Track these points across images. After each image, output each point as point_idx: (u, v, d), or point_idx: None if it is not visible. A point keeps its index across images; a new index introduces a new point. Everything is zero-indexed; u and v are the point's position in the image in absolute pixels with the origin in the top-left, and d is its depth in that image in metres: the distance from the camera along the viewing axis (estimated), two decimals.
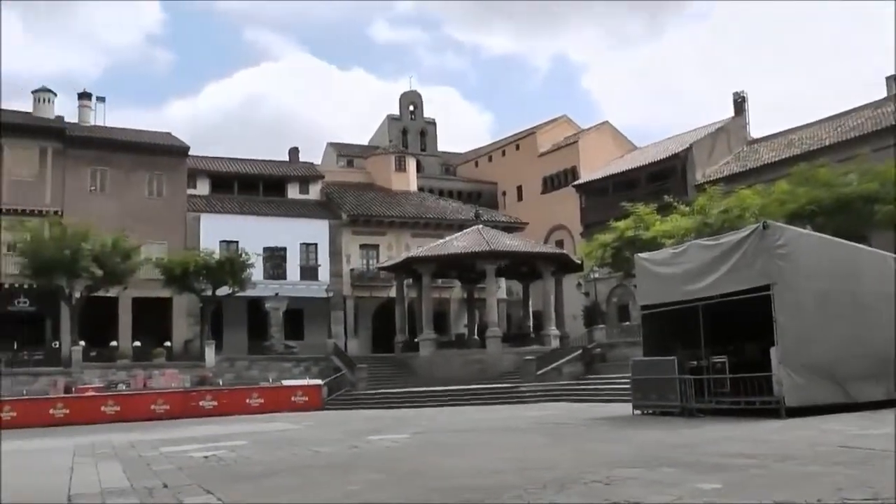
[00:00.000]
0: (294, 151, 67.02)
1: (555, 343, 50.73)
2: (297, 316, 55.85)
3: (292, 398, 42.53)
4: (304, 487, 15.75)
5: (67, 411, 38.45)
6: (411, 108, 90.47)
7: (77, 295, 47.25)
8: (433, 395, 42.93)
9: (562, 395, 40.48)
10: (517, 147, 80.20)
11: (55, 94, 57.49)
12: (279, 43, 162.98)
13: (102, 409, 38.96)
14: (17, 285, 49.36)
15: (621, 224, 46.64)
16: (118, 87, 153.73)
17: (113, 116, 57.61)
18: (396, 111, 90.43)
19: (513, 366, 47.79)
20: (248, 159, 63.65)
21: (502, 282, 58.70)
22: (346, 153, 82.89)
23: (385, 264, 55.69)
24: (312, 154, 77.73)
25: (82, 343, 46.99)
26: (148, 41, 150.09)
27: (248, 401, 41.47)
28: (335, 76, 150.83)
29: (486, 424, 27.80)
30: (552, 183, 74.06)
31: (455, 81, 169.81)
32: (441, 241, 53.63)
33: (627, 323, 51.68)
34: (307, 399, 42.68)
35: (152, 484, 16.75)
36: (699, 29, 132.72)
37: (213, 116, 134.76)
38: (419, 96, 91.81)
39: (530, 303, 56.97)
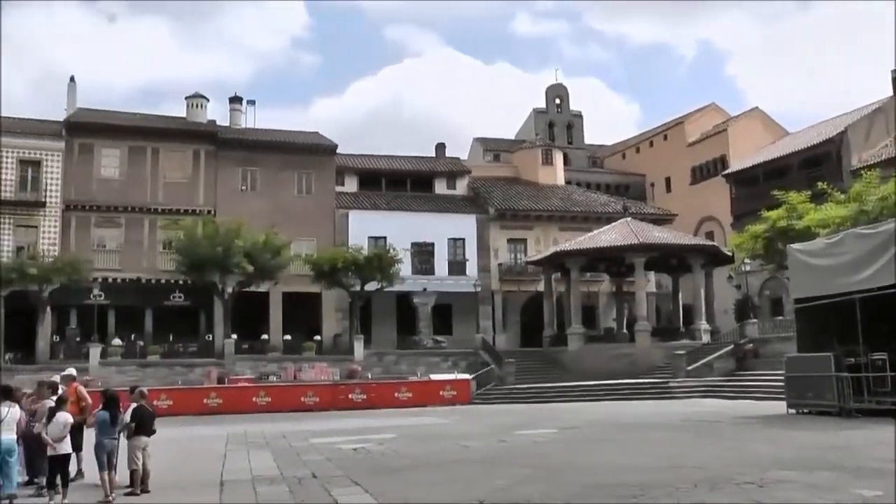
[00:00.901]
0: (441, 147, 67.25)
1: (705, 338, 49.46)
2: (446, 311, 55.96)
3: (441, 392, 42.58)
4: (451, 481, 15.62)
5: (220, 401, 39.48)
6: (557, 101, 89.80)
7: (229, 290, 48.41)
8: (581, 390, 42.46)
9: (712, 392, 39.48)
10: (665, 137, 78.68)
11: (207, 100, 59.20)
12: (422, 39, 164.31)
13: (254, 399, 39.83)
14: (172, 281, 51.00)
15: (773, 214, 45.02)
16: (266, 90, 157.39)
17: (262, 118, 58.93)
18: (542, 104, 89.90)
19: (662, 361, 46.85)
20: (395, 156, 64.10)
21: (651, 275, 57.56)
22: (493, 148, 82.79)
23: (533, 258, 55.32)
24: (459, 149, 77.81)
25: (235, 336, 48.28)
26: (294, 44, 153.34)
27: (396, 395, 41.72)
28: (479, 70, 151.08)
29: (636, 420, 27.29)
30: (701, 173, 72.33)
31: (600, 72, 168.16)
32: (589, 234, 53.01)
33: (781, 317, 49.87)
34: (455, 393, 42.66)
35: (301, 473, 16.93)
36: (851, 3, 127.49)
37: (358, 114, 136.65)
38: (565, 89, 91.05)
39: (680, 296, 55.76)
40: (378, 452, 20.67)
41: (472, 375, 45.55)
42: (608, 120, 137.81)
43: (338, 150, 57.77)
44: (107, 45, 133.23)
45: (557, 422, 27.64)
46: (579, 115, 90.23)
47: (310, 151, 56.68)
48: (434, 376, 45.33)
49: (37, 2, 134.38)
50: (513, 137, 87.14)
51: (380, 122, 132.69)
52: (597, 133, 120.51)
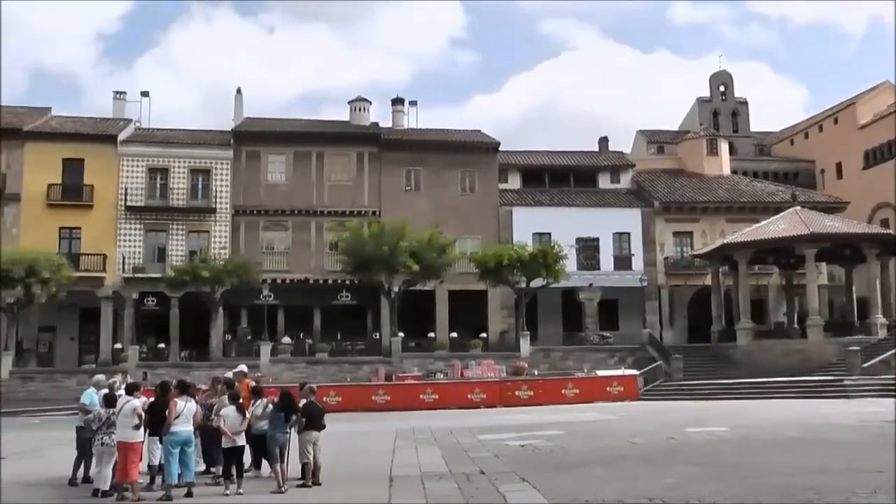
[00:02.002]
0: (603, 141, 66.53)
1: (882, 333, 47.20)
2: (612, 306, 55.31)
3: (607, 388, 42.08)
4: (619, 478, 15.39)
5: (388, 398, 39.97)
6: (721, 88, 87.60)
7: (396, 289, 49.01)
8: (751, 388, 41.27)
9: (890, 391, 37.30)
10: (835, 120, 75.51)
11: (370, 103, 60.21)
12: (578, 32, 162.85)
13: (421, 396, 40.16)
14: (339, 281, 51.99)
15: None
16: (424, 90, 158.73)
17: (421, 118, 59.68)
18: (706, 93, 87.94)
19: (835, 357, 44.97)
20: (557, 151, 63.73)
21: (823, 266, 55.54)
22: (656, 139, 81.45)
23: (699, 251, 54.16)
24: (621, 143, 76.84)
25: (401, 334, 48.89)
26: (451, 44, 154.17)
27: (563, 391, 41.44)
28: (639, 61, 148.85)
29: (809, 420, 26.36)
30: (875, 156, 69.02)
31: (764, 56, 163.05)
32: (756, 225, 51.46)
33: None
34: (622, 389, 42.09)
35: (470, 469, 16.94)
36: None
37: (515, 111, 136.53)
38: (729, 76, 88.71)
39: (854, 289, 53.63)
40: (546, 449, 20.55)
41: (639, 372, 44.89)
42: (775, 105, 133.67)
43: (499, 148, 57.74)
44: (267, 56, 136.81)
45: (727, 420, 26.96)
46: (744, 102, 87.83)
47: (472, 150, 56.90)
48: (600, 372, 44.89)
49: (201, 21, 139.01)
50: (676, 128, 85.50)
51: (538, 117, 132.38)
52: (763, 119, 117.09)
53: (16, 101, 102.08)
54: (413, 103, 62.04)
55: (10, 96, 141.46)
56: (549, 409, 36.09)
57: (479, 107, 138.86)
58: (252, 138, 55.16)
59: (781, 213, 51.71)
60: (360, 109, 59.39)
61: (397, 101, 61.27)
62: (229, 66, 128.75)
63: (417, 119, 61.87)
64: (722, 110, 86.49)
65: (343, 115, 60.33)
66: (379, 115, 61.30)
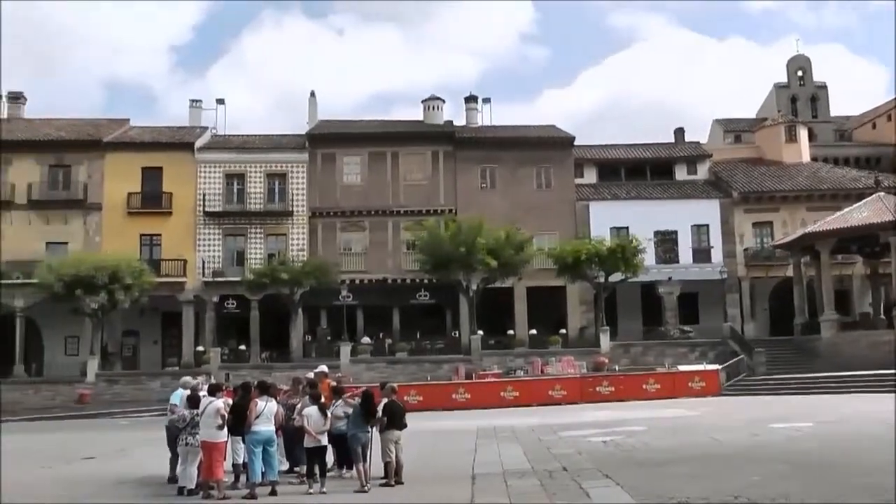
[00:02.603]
0: (679, 132, 65.60)
1: None
2: (691, 299, 54.67)
3: (689, 384, 41.54)
4: (703, 476, 15.17)
5: (469, 396, 39.93)
6: (799, 73, 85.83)
7: (474, 287, 49.00)
8: (837, 381, 40.20)
9: None
10: None
11: (443, 101, 60.18)
12: (648, 22, 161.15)
13: (501, 394, 40.05)
14: (417, 280, 52.17)
15: None
16: (495, 87, 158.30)
17: (495, 115, 59.48)
18: (783, 78, 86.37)
19: None
20: (632, 144, 63.05)
21: None
22: (733, 128, 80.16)
23: (780, 242, 53.20)
24: (698, 133, 75.55)
25: (480, 332, 48.87)
26: (521, 40, 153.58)
27: (644, 386, 41.05)
28: (712, 49, 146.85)
29: None
30: None
31: (842, 38, 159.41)
32: (839, 213, 50.26)
33: None
34: (704, 385, 41.52)
35: (552, 466, 16.84)
36: None
37: (587, 104, 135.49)
38: (807, 60, 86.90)
39: None
40: (628, 445, 20.37)
41: (721, 366, 44.17)
42: (855, 88, 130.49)
43: (574, 142, 57.38)
44: (337, 58, 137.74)
45: (812, 415, 26.41)
46: (823, 87, 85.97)
47: (547, 145, 56.66)
48: (681, 367, 44.35)
49: (271, 26, 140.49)
50: (753, 116, 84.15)
51: (610, 111, 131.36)
52: (843, 103, 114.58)
53: (94, 113, 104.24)
54: (486, 100, 62.04)
55: (87, 109, 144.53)
56: (630, 405, 35.80)
57: (550, 102, 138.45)
58: (327, 140, 55.60)
59: (864, 200, 50.42)
60: (433, 108, 59.47)
61: (471, 99, 61.28)
62: (300, 69, 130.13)
63: (491, 116, 61.79)
64: (800, 96, 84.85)
65: (415, 114, 60.57)
66: (452, 114, 61.40)
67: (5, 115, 61.28)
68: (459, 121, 60.51)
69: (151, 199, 53.94)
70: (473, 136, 57.28)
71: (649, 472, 15.92)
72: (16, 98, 62.26)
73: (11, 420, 42.59)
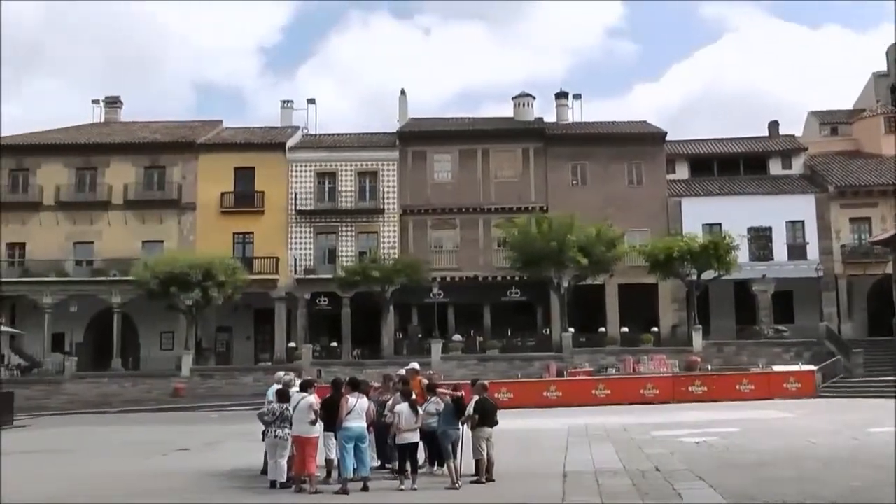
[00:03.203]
0: (773, 125, 64.03)
1: None
2: (786, 298, 53.55)
3: (784, 385, 40.76)
4: (799, 480, 14.85)
5: (560, 394, 39.75)
6: None
7: (565, 284, 48.75)
8: None
9: None
10: None
11: (533, 98, 59.81)
12: (739, 13, 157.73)
13: (593, 392, 39.80)
14: (508, 277, 52.01)
15: None
16: (584, 83, 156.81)
17: (583, 111, 58.78)
18: (883, 67, 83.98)
19: None
20: (724, 138, 61.93)
21: None
22: (829, 120, 77.91)
23: (878, 238, 51.70)
24: (792, 125, 73.64)
25: (571, 329, 48.58)
26: (609, 35, 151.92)
27: (737, 387, 40.40)
28: (806, 38, 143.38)
29: None
30: None
31: None
32: None
33: None
34: (799, 386, 40.71)
35: (644, 467, 16.67)
36: None
37: (678, 98, 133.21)
38: None
39: None
40: (721, 447, 20.07)
41: (817, 367, 43.29)
42: None
43: (665, 137, 56.71)
44: (424, 56, 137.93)
45: None
46: None
47: (638, 141, 56.10)
48: (776, 367, 43.52)
49: (359, 26, 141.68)
50: (850, 107, 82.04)
51: (701, 104, 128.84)
52: None
53: (186, 115, 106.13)
54: (577, 97, 61.45)
55: (180, 112, 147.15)
56: (723, 406, 35.28)
57: (640, 97, 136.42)
58: (418, 138, 55.83)
59: None
60: (523, 105, 59.21)
61: (561, 95, 60.84)
62: (387, 68, 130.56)
63: (582, 112, 61.28)
64: None
65: (503, 111, 60.46)
66: (541, 110, 61.00)
67: (103, 119, 63.14)
68: (548, 117, 60.21)
69: (244, 198, 54.83)
70: (564, 133, 56.96)
71: (743, 474, 15.66)
72: (113, 102, 64.23)
73: (109, 412, 43.97)
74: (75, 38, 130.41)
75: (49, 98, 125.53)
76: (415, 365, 19.78)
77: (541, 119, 59.03)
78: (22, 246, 55.37)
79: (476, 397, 16.18)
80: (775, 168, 58.08)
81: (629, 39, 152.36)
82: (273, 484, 15.67)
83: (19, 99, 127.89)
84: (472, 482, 15.53)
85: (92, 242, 54.86)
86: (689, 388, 40.13)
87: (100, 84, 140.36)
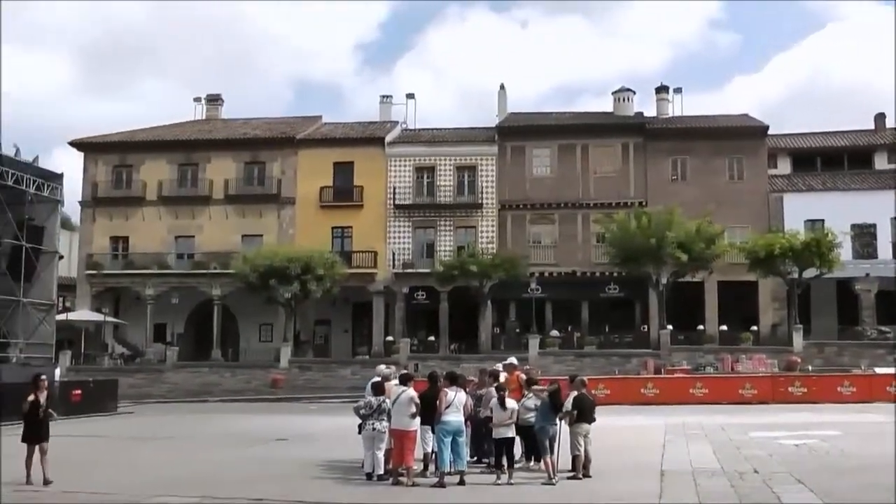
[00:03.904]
0: (880, 117, 61.77)
1: None
2: (891, 298, 51.93)
3: (887, 388, 39.36)
4: None
5: (657, 391, 39.21)
6: None
7: (663, 281, 48.28)
8: None
9: None
10: None
11: (633, 92, 59.41)
12: (844, 1, 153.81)
13: (690, 390, 39.19)
14: (606, 273, 51.75)
15: None
16: (683, 76, 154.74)
17: (683, 104, 57.75)
18: None
19: None
20: (828, 132, 60.32)
21: None
22: None
23: None
24: None
25: (670, 327, 48.08)
26: (710, 26, 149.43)
27: (838, 389, 39.31)
28: None
29: None
30: None
31: None
32: None
33: None
34: None
35: (742, 468, 16.44)
36: None
37: (780, 91, 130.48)
38: None
39: None
40: (822, 450, 19.67)
41: None
42: None
43: (767, 131, 55.63)
44: (521, 50, 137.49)
45: None
46: None
47: (739, 135, 55.19)
48: (879, 370, 42.33)
49: (456, 21, 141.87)
50: None
51: (804, 96, 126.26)
52: None
53: (285, 112, 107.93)
54: (678, 90, 60.63)
55: (279, 108, 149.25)
56: (823, 408, 34.42)
57: (740, 89, 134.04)
58: (517, 133, 55.90)
59: None
60: (623, 100, 58.81)
61: (661, 90, 60.09)
62: (484, 62, 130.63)
63: (682, 106, 60.44)
64: None
65: (601, 105, 60.00)
66: (640, 104, 60.25)
67: (204, 116, 64.56)
68: (648, 111, 59.54)
69: (343, 192, 55.58)
70: (664, 127, 56.46)
71: (844, 479, 15.33)
72: (214, 100, 65.80)
73: (209, 400, 44.94)
74: (177, 39, 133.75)
75: (152, 96, 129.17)
76: (513, 360, 19.80)
77: (641, 113, 58.55)
78: (126, 240, 57.27)
79: (574, 393, 16.16)
80: (881, 162, 56.56)
81: (730, 30, 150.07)
82: (370, 476, 15.84)
83: (122, 98, 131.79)
84: (568, 478, 15.50)
85: (193, 236, 56.45)
86: (789, 389, 39.25)
87: (200, 82, 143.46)
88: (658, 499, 13.59)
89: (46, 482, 15.13)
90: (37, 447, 15.51)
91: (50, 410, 15.92)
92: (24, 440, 15.55)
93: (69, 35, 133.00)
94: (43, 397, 15.74)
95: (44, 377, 16.61)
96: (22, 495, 14.75)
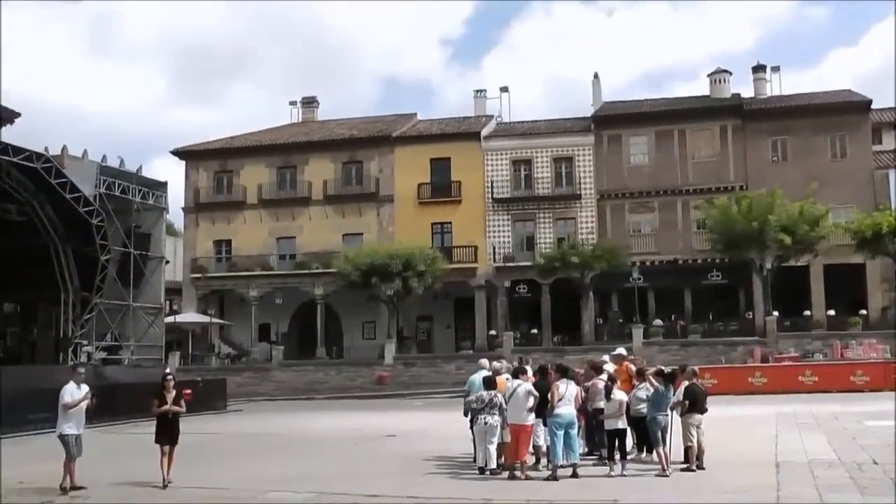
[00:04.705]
0: None
1: None
2: None
3: None
4: None
5: (765, 380, 38.58)
6: None
7: (767, 265, 47.34)
8: None
9: None
10: None
11: (730, 73, 58.18)
12: None
13: (799, 378, 38.42)
14: (709, 260, 51.07)
15: None
16: (775, 54, 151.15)
17: (777, 82, 56.18)
18: None
19: None
20: None
21: None
22: None
23: None
24: None
25: (775, 313, 47.06)
26: (799, 0, 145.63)
27: None
28: None
29: None
30: None
31: None
32: None
33: None
34: None
35: (860, 458, 16.06)
36: None
37: (879, 63, 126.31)
38: None
39: None
40: None
41: None
42: None
43: (871, 106, 54.09)
44: (608, 38, 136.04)
45: None
46: None
47: (841, 111, 53.52)
48: None
49: (542, 13, 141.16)
50: None
51: None
52: None
53: (373, 111, 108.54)
54: (776, 69, 59.38)
55: (367, 108, 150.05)
56: None
57: (837, 63, 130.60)
58: (612, 121, 55.40)
59: None
60: (719, 81, 57.66)
61: (758, 69, 58.87)
62: (571, 52, 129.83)
63: (781, 85, 59.18)
64: None
65: (691, 90, 59.06)
66: (741, 86, 59.09)
67: (300, 119, 65.53)
68: (744, 93, 58.30)
69: (440, 188, 55.79)
70: (763, 108, 55.21)
71: None
72: (309, 102, 66.94)
73: (316, 398, 45.53)
74: (264, 45, 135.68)
75: (242, 103, 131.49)
76: (621, 350, 19.68)
77: (738, 95, 57.33)
78: (228, 243, 58.53)
79: (686, 383, 16.00)
80: None
81: (821, 3, 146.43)
82: (482, 470, 15.83)
83: (214, 106, 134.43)
84: (681, 470, 15.35)
85: (294, 237, 57.36)
86: None
87: (289, 86, 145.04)
88: (776, 490, 13.33)
89: (165, 484, 15.42)
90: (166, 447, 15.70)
91: (176, 408, 15.99)
92: (156, 441, 15.79)
93: (160, 49, 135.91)
94: (170, 397, 15.92)
95: (170, 376, 16.84)
96: (145, 492, 15.23)
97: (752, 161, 52.84)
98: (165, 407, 15.81)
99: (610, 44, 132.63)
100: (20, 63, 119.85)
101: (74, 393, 15.57)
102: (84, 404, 15.66)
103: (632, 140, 54.77)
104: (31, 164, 32.01)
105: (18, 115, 47.80)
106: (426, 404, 38.94)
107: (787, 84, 58.61)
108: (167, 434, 15.74)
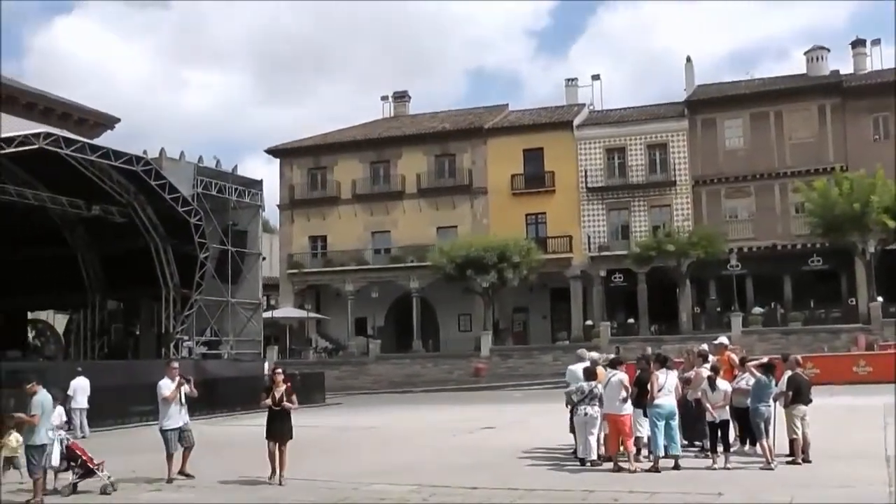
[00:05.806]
0: None
1: None
2: None
3: None
4: None
5: (870, 369, 37.31)
6: None
7: (871, 249, 45.96)
8: None
9: None
10: None
11: (828, 50, 56.23)
12: None
13: None
14: (808, 245, 49.80)
15: None
16: (868, 26, 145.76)
17: (875, 57, 54.18)
18: None
19: None
20: None
21: None
22: None
23: None
24: None
25: (880, 299, 45.59)
26: None
27: None
28: None
29: None
30: None
31: None
32: None
33: None
34: None
35: None
36: None
37: None
38: None
39: None
40: None
41: None
42: None
43: None
44: (694, 20, 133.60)
45: None
46: None
47: None
48: None
49: (626, 2, 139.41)
50: None
51: None
52: None
53: (462, 104, 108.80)
54: (875, 42, 56.82)
55: (456, 101, 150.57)
56: None
57: None
58: (706, 105, 54.40)
59: None
60: (816, 59, 55.66)
61: (857, 43, 56.32)
62: (657, 37, 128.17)
63: (881, 60, 56.92)
64: None
65: (782, 69, 57.05)
66: (840, 63, 57.20)
67: (392, 114, 65.93)
68: (842, 70, 56.11)
69: (534, 179, 55.57)
70: (862, 84, 53.02)
71: None
72: (401, 97, 67.33)
73: (413, 391, 45.72)
74: (349, 40, 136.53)
75: (328, 99, 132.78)
76: (723, 339, 19.33)
77: (836, 72, 55.27)
78: (323, 238, 59.24)
79: (789, 373, 15.58)
80: None
81: None
82: (583, 462, 15.70)
83: (302, 103, 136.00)
84: (787, 462, 14.97)
85: (388, 231, 57.70)
86: None
87: (374, 81, 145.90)
88: (890, 486, 12.82)
89: (281, 481, 15.44)
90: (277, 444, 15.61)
91: (287, 403, 15.73)
92: (266, 437, 15.75)
93: (247, 50, 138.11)
94: (279, 392, 15.74)
95: (279, 370, 16.77)
96: (250, 485, 15.44)
97: (852, 140, 51.32)
98: (267, 401, 15.77)
99: (696, 27, 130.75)
100: (117, 69, 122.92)
101: (170, 388, 15.97)
102: (182, 395, 16.02)
103: (726, 123, 53.69)
104: (132, 167, 32.71)
105: (118, 120, 49.04)
106: (525, 396, 38.83)
107: (888, 58, 56.17)
108: (277, 430, 15.60)
